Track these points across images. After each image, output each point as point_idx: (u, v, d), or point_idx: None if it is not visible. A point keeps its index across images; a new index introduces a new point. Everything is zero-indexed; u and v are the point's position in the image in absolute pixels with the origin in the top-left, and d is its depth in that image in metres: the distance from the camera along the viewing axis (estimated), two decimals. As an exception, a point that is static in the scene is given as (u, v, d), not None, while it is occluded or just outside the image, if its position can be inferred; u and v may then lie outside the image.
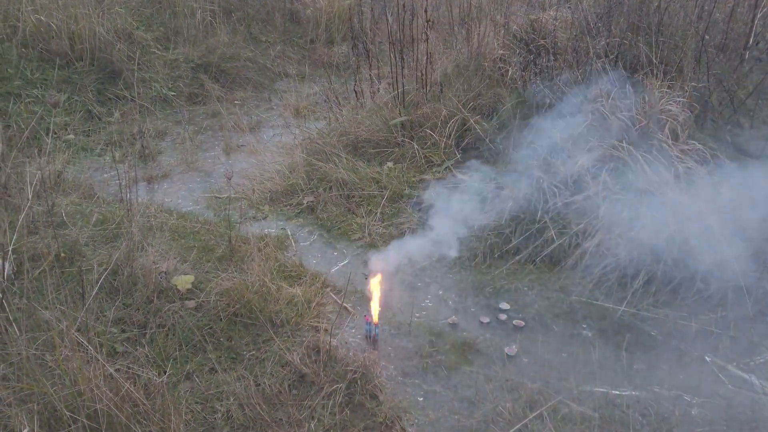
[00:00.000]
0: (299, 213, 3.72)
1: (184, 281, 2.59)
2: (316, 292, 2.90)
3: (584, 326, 2.78)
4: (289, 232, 3.51)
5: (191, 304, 2.57)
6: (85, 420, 1.75)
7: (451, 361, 2.55)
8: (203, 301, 2.65)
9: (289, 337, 2.58)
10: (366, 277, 3.09)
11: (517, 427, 2.19)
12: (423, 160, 3.84)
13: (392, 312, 2.84)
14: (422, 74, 4.02)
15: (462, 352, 2.60)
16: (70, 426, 1.70)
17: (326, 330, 2.62)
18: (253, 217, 3.68)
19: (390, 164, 3.93)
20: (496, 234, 3.26)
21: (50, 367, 1.93)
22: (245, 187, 4.01)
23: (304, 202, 3.76)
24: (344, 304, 2.86)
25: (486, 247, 3.25)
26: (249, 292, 2.68)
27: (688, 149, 3.33)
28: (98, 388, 1.77)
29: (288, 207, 3.78)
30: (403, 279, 3.09)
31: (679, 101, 3.34)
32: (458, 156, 3.85)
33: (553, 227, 3.19)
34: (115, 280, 2.60)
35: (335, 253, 3.34)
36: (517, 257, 3.19)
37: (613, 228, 3.10)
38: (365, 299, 2.92)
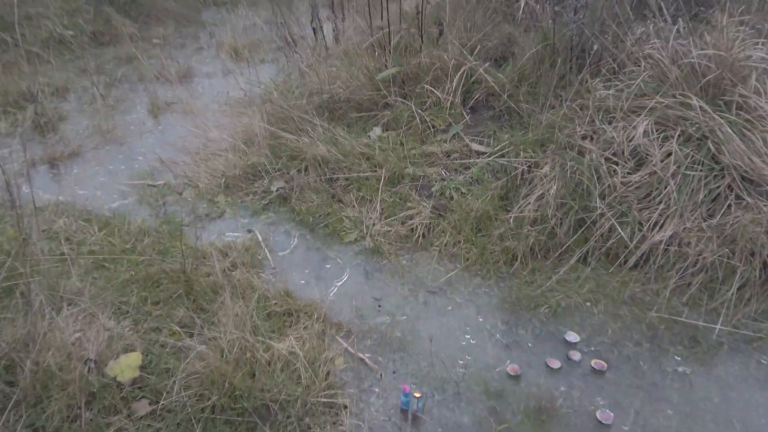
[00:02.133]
0: (267, 205, 2.80)
1: (126, 366, 1.66)
2: (318, 338, 2.06)
3: (677, 358, 2.11)
4: (260, 236, 2.60)
5: (143, 407, 1.66)
6: None
7: (528, 439, 1.83)
8: (162, 397, 1.75)
9: (295, 428, 1.76)
10: (379, 305, 2.28)
11: None
12: (423, 126, 2.96)
13: (425, 359, 2.05)
14: (418, 11, 3.05)
15: (539, 421, 1.88)
16: None
17: (345, 407, 1.82)
18: (206, 215, 2.74)
19: (377, 130, 3.03)
20: (539, 229, 2.50)
21: None
22: (186, 168, 3.02)
23: (273, 189, 2.83)
24: (359, 354, 2.05)
25: (526, 246, 2.49)
26: (228, 366, 1.80)
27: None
28: None
29: (251, 196, 2.85)
30: (425, 297, 2.31)
31: (763, 42, 2.60)
32: (467, 118, 2.99)
33: (611, 215, 2.46)
34: (12, 384, 1.64)
35: (327, 265, 2.49)
36: (566, 257, 2.46)
37: (690, 214, 2.42)
38: (384, 341, 2.12)
